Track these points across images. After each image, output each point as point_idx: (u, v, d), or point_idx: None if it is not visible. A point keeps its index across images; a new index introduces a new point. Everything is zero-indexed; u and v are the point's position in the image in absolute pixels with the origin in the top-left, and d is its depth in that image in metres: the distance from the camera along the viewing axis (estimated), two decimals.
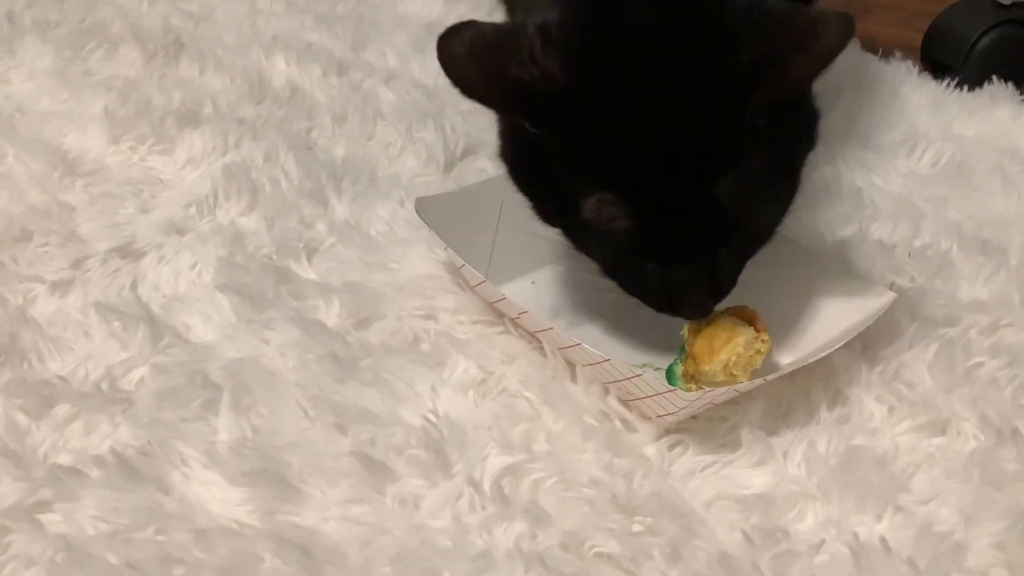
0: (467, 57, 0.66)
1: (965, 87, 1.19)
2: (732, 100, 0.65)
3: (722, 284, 0.72)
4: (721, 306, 0.74)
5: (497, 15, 1.26)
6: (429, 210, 0.83)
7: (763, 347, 0.72)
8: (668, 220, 0.68)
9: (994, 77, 1.19)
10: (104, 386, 0.73)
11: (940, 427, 0.72)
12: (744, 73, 0.65)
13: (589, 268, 0.75)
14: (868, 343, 0.77)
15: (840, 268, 0.80)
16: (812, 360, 0.71)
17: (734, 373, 0.72)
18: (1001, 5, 1.21)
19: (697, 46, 0.66)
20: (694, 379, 0.74)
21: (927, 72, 1.23)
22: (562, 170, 0.69)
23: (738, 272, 0.73)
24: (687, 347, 0.75)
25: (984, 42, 1.20)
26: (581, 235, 0.74)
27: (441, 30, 0.66)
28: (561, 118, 0.67)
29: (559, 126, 0.68)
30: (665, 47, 0.67)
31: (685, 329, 0.75)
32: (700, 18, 0.67)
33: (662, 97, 0.66)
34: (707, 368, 0.73)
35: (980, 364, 0.76)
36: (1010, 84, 1.18)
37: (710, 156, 0.66)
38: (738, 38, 0.65)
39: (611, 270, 0.75)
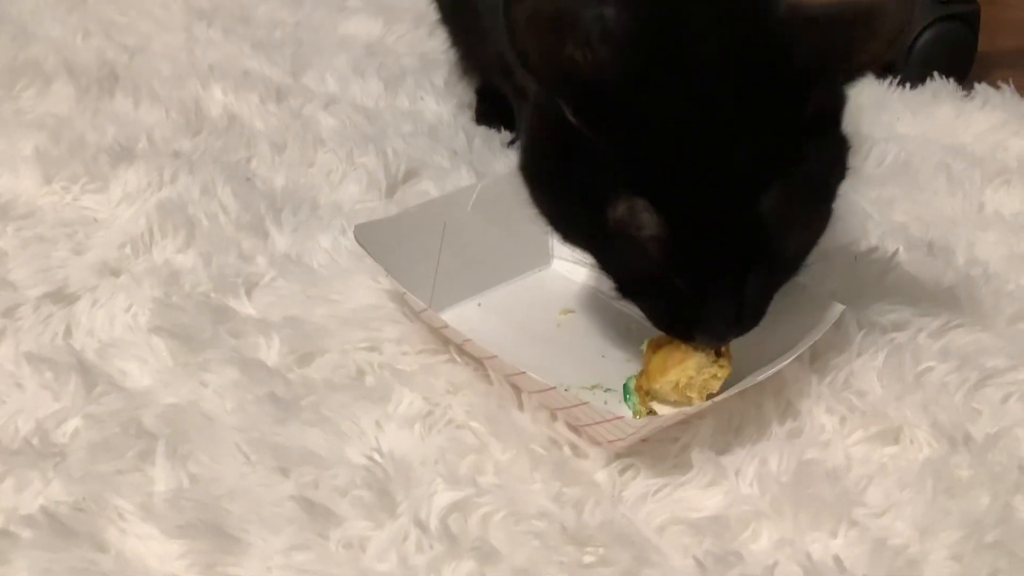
0: (527, 26, 0.63)
1: (907, 85, 1.19)
2: (788, 104, 0.63)
3: (746, 313, 0.68)
4: None
5: (437, 35, 1.25)
6: (369, 237, 0.81)
7: (720, 372, 0.71)
8: (704, 231, 0.65)
9: (935, 74, 1.19)
10: (35, 441, 0.70)
11: (892, 436, 0.71)
12: (800, 73, 0.63)
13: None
14: (817, 353, 0.76)
15: None
16: (761, 378, 0.70)
17: (688, 395, 0.71)
18: (939, 1, 1.21)
19: (752, 49, 0.65)
20: (648, 394, 0.73)
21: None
22: (595, 171, 0.66)
23: (764, 306, 0.70)
24: (644, 362, 0.74)
25: (924, 38, 1.21)
26: (603, 247, 0.70)
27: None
28: (605, 112, 0.65)
29: (601, 120, 0.65)
30: (720, 50, 0.65)
31: (645, 344, 0.74)
32: (753, 20, 0.66)
33: (714, 101, 0.64)
34: (657, 386, 0.72)
35: (930, 369, 0.75)
36: (951, 80, 1.18)
37: (758, 165, 0.64)
38: (792, 37, 0.64)
39: (630, 287, 0.72)
